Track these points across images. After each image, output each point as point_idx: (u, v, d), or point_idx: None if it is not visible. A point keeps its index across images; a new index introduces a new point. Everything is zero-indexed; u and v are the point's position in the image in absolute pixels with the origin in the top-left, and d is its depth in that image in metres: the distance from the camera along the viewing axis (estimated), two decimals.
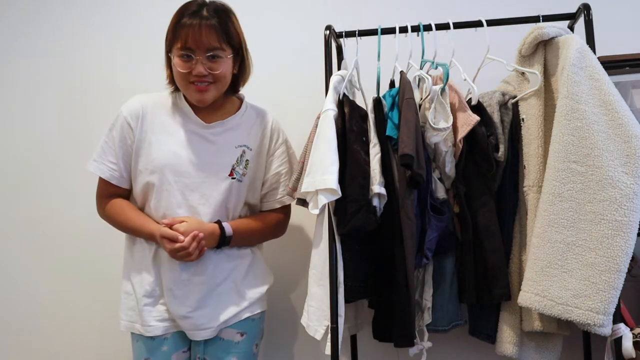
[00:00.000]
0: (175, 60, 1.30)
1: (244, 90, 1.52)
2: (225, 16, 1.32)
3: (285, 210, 1.52)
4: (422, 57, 1.43)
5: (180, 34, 1.27)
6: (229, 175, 1.36)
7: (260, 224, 1.45)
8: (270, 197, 1.48)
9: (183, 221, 1.29)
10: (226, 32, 1.31)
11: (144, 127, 1.36)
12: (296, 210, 1.61)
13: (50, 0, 2.05)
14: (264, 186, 1.47)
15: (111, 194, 1.40)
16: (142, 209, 1.39)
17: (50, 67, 2.03)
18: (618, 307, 1.16)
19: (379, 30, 1.43)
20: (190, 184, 1.34)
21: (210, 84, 1.31)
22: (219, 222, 1.34)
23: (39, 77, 2.03)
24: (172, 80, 1.40)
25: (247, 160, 1.40)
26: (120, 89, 1.91)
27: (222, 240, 1.33)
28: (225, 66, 1.32)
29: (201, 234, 1.27)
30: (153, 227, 1.31)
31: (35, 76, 2.03)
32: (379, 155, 1.34)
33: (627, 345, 1.18)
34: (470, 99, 1.38)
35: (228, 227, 1.34)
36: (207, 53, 1.28)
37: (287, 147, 1.51)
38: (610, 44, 1.46)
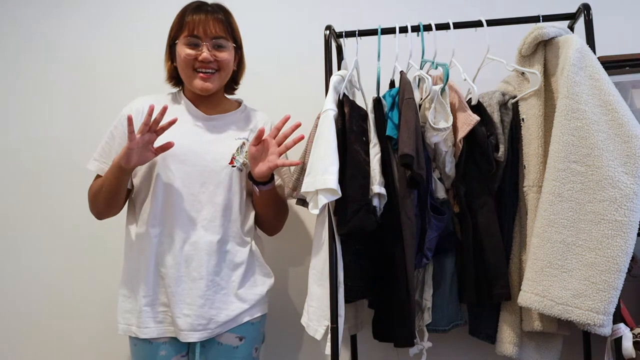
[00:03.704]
0: (181, 48, 1.35)
1: (244, 90, 1.55)
2: (228, 13, 1.42)
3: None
4: (422, 57, 1.43)
5: (188, 24, 1.34)
6: (230, 163, 1.37)
7: (281, 196, 1.48)
8: None
9: None
10: (230, 25, 1.40)
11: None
12: (296, 210, 1.61)
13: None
14: None
15: None
16: (142, 203, 1.38)
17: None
18: (618, 307, 1.16)
19: (379, 30, 1.43)
20: (191, 172, 1.35)
21: (214, 73, 1.37)
22: None
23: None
24: (171, 75, 1.45)
25: (247, 151, 1.41)
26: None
27: (271, 178, 1.37)
28: (229, 56, 1.39)
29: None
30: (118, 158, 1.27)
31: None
32: (379, 155, 1.34)
33: (627, 345, 1.18)
34: (470, 99, 1.38)
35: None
36: (213, 42, 1.36)
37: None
38: (610, 44, 1.47)
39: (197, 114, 1.42)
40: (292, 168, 1.52)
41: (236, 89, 1.52)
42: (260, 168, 1.32)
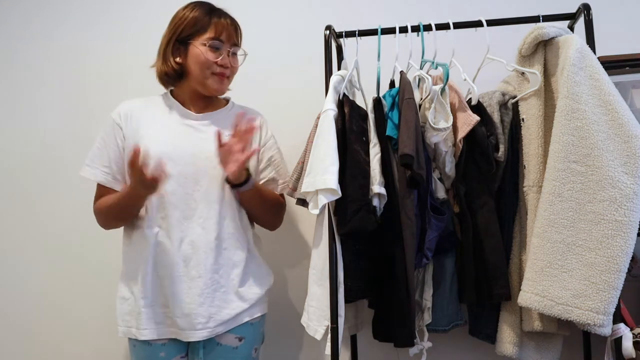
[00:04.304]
0: (202, 49, 1.36)
1: (244, 90, 1.56)
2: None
3: (284, 199, 1.54)
4: (422, 57, 1.43)
5: (214, 26, 1.36)
6: None
7: (267, 192, 1.47)
8: (269, 186, 1.49)
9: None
10: (241, 34, 1.45)
11: (134, 125, 1.39)
12: (296, 210, 1.61)
13: (54, 0, 2.06)
14: (261, 175, 1.48)
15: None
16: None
17: (54, 67, 2.03)
18: (618, 307, 1.16)
19: (379, 30, 1.43)
20: (184, 172, 1.34)
21: (226, 77, 1.41)
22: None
23: (43, 77, 2.04)
24: (169, 72, 1.40)
25: None
26: (124, 88, 1.93)
27: (247, 178, 1.34)
28: (239, 64, 1.44)
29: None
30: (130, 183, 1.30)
31: (39, 75, 2.04)
32: (379, 155, 1.34)
33: (627, 345, 1.18)
34: (470, 99, 1.38)
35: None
36: (233, 48, 1.40)
37: (274, 141, 1.53)
38: (610, 44, 1.47)
39: (186, 114, 1.42)
40: (292, 168, 1.51)
41: (227, 101, 1.52)
42: (231, 169, 1.30)
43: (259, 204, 1.44)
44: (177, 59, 1.39)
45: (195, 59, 1.36)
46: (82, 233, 1.91)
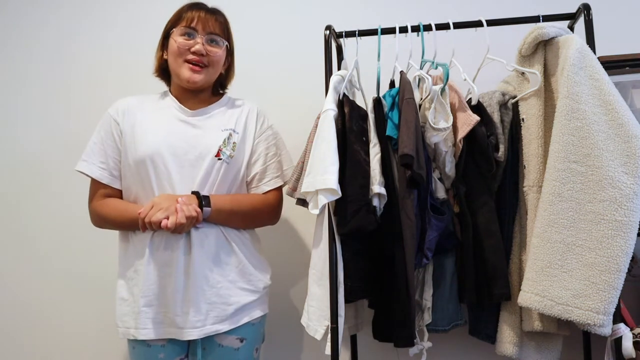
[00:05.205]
0: (176, 38, 1.39)
1: (244, 90, 1.56)
2: (226, 17, 1.47)
3: (276, 195, 1.48)
4: (422, 57, 1.43)
5: (187, 16, 1.39)
6: (216, 156, 1.37)
7: (244, 197, 1.44)
8: (259, 182, 1.46)
9: (153, 206, 1.27)
10: (226, 27, 1.46)
11: (130, 121, 1.40)
12: (296, 210, 1.61)
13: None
14: (252, 169, 1.46)
15: (102, 195, 1.40)
16: (134, 203, 1.39)
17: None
18: (618, 307, 1.16)
19: (379, 30, 1.43)
20: (180, 169, 1.34)
21: (203, 68, 1.40)
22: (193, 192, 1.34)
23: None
24: (160, 67, 1.47)
25: (234, 142, 1.41)
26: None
27: (201, 201, 1.31)
28: (221, 54, 1.43)
29: (180, 199, 1.28)
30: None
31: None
32: (379, 155, 1.34)
33: (627, 345, 1.18)
34: (470, 99, 1.38)
35: (203, 194, 1.34)
36: (208, 36, 1.39)
37: (273, 131, 1.52)
38: (610, 44, 1.47)
39: (181, 110, 1.43)
40: (292, 167, 1.51)
41: (222, 94, 1.52)
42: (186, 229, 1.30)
43: (231, 220, 1.38)
44: (164, 54, 1.44)
45: (170, 49, 1.41)
46: (75, 234, 1.91)
